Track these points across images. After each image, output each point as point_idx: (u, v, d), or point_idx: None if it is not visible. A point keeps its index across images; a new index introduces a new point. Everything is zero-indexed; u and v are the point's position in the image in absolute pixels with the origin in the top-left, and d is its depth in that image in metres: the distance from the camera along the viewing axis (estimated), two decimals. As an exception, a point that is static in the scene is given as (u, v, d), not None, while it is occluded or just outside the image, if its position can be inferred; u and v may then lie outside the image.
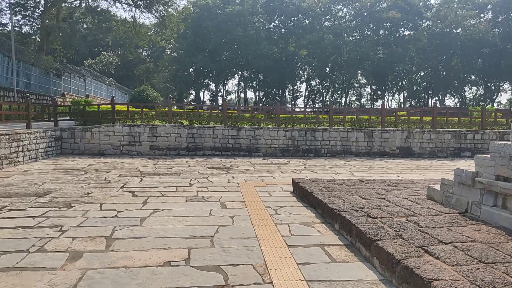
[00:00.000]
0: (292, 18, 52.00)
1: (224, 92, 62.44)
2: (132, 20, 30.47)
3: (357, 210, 4.65)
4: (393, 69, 49.86)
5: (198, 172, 9.52)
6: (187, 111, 16.55)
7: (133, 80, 51.13)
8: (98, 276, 3.20)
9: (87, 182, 7.72)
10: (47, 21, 26.32)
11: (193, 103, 54.18)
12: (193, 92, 60.78)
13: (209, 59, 47.66)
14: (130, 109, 15.63)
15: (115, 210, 5.46)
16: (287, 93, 58.82)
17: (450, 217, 4.37)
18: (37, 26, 29.15)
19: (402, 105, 56.00)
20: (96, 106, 15.72)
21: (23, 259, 3.54)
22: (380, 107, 18.09)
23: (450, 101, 57.61)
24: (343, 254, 3.79)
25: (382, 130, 15.18)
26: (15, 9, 26.48)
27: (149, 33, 38.10)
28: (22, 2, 27.37)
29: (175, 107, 24.11)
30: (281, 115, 15.71)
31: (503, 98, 76.45)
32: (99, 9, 31.26)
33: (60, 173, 8.99)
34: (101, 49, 49.54)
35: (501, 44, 46.85)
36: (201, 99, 59.38)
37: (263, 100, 56.46)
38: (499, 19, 49.99)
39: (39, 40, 28.11)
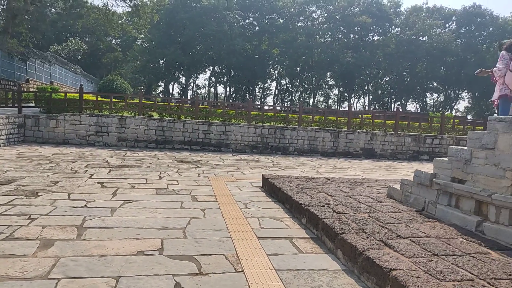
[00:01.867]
0: (267, 16, 52.30)
1: (195, 86, 61.90)
2: (105, 7, 29.58)
3: (324, 206, 4.90)
4: (360, 73, 51.35)
5: (168, 165, 9.52)
6: (158, 104, 16.37)
7: (100, 68, 49.58)
8: (72, 263, 3.23)
9: (52, 172, 7.56)
10: (14, 2, 25.00)
11: (161, 96, 53.34)
12: (163, 85, 59.84)
13: (181, 52, 47.09)
14: (99, 98, 15.28)
15: (84, 200, 5.42)
16: (257, 91, 59.18)
17: (408, 215, 4.70)
18: (2, 7, 27.65)
19: (367, 108, 57.81)
20: (63, 94, 15.25)
21: (-9, 246, 3.50)
22: (347, 109, 18.68)
23: (412, 106, 60.11)
24: (310, 246, 4.01)
25: (348, 132, 15.71)
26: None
27: (121, 21, 37.06)
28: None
29: (144, 99, 23.68)
30: (252, 112, 15.89)
31: (461, 105, 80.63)
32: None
33: (24, 161, 8.72)
34: (69, 35, 47.64)
35: (462, 54, 49.38)
36: (171, 92, 58.56)
37: (233, 96, 56.48)
38: (462, 30, 52.67)
39: (4, 22, 26.66)
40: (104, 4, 30.41)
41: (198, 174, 8.42)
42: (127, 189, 6.37)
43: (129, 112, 15.03)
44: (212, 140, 14.50)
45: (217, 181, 7.67)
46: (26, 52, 25.30)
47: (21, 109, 13.54)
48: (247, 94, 54.36)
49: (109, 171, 8.05)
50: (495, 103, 6.56)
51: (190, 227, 4.46)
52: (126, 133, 13.85)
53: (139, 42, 53.70)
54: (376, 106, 57.63)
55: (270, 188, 6.52)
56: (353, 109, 20.91)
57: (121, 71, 49.76)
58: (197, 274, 3.16)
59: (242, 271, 3.27)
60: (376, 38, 54.20)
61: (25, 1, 25.37)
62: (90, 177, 7.21)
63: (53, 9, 39.29)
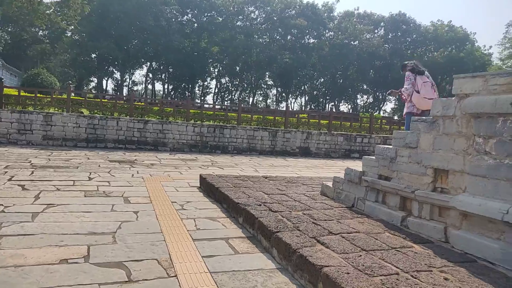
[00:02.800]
0: (206, 14, 51.84)
1: (130, 82, 59.47)
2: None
3: (260, 205, 4.94)
4: (297, 74, 52.96)
5: (99, 166, 9.00)
6: (89, 100, 15.43)
7: (26, 61, 45.62)
8: (-19, 277, 2.89)
9: (-36, 174, 6.77)
10: None
11: (94, 92, 50.48)
12: (95, 80, 56.67)
13: (115, 46, 44.91)
14: (22, 93, 14.02)
15: (2, 204, 4.92)
16: (197, 89, 58.49)
17: (339, 211, 4.90)
18: None
19: (304, 108, 59.85)
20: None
21: None
22: (284, 108, 19.13)
23: (344, 107, 63.42)
24: (246, 246, 4.01)
25: (285, 131, 16.09)
26: None
27: (48, 11, 34.34)
28: None
29: (74, 95, 22.24)
30: (191, 111, 15.61)
31: (388, 107, 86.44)
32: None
33: None
34: (-14, 22, 43.19)
35: (389, 58, 53.08)
36: (104, 87, 55.63)
37: (172, 93, 55.21)
38: (389, 36, 56.55)
39: None
40: (28, -9, 27.86)
41: (132, 175, 8.06)
42: (51, 191, 5.90)
43: (56, 109, 13.98)
44: (149, 138, 14.00)
45: (152, 181, 7.40)
46: None
47: None
48: (186, 92, 53.43)
49: (32, 172, 7.41)
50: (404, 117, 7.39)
51: (121, 231, 4.23)
52: (53, 131, 12.86)
53: (68, 34, 50.23)
54: (312, 106, 59.87)
55: (208, 187, 6.44)
56: (290, 109, 21.49)
57: (48, 65, 46.21)
58: (126, 281, 3.00)
59: (176, 275, 3.17)
60: (312, 40, 56.25)
61: None
62: (10, 179, 6.57)
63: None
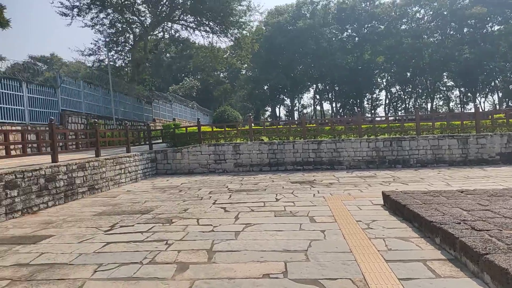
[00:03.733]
0: (366, 25, 50.68)
1: (300, 106, 62.72)
2: (210, 45, 32.41)
3: (459, 223, 4.35)
4: (483, 69, 45.59)
5: (283, 187, 9.67)
6: (267, 128, 16.97)
7: (213, 101, 53.90)
8: (206, 286, 3.45)
9: (182, 199, 8.32)
10: (136, 54, 29.23)
11: (269, 120, 55.25)
12: (269, 109, 61.98)
13: (283, 75, 48.40)
14: (214, 129, 16.53)
15: (211, 225, 5.81)
16: (365, 102, 57.05)
17: None
18: (128, 59, 32.41)
19: (498, 106, 50.68)
20: (184, 129, 16.92)
21: (139, 270, 3.95)
22: (473, 110, 16.64)
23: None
24: (448, 269, 3.58)
25: (478, 136, 13.92)
26: (109, 46, 29.84)
27: (225, 55, 40.07)
28: (114, 39, 30.79)
29: (254, 125, 24.83)
30: (362, 126, 15.30)
31: None
32: (180, 38, 33.83)
33: (158, 191, 9.81)
34: (183, 75, 53.26)
35: None
36: (277, 114, 60.31)
37: (340, 111, 55.43)
38: None
39: (131, 71, 31.23)
40: (209, 42, 33.19)
41: (314, 194, 8.34)
42: (247, 212, 6.64)
43: (242, 139, 15.87)
44: (324, 158, 14.31)
45: (334, 200, 7.49)
46: (150, 95, 29.03)
47: (152, 146, 15.41)
48: (355, 108, 52.73)
49: (230, 196, 8.52)
50: None
51: (312, 249, 4.39)
52: (241, 158, 14.61)
53: (243, 72, 57.01)
54: (510, 103, 50.19)
55: (394, 205, 6.09)
56: (480, 110, 18.54)
57: (231, 101, 53.37)
58: (326, 299, 3.06)
59: (373, 297, 3.06)
60: (496, 27, 47.79)
61: (145, 51, 29.35)
62: (214, 203, 7.73)
63: (167, 54, 44.53)
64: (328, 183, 10.26)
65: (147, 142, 15.78)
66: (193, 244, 4.81)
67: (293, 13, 50.47)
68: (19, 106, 13.24)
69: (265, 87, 54.13)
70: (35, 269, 4.09)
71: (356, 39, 51.55)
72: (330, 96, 56.23)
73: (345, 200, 7.47)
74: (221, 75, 56.77)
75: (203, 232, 5.39)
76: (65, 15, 26.35)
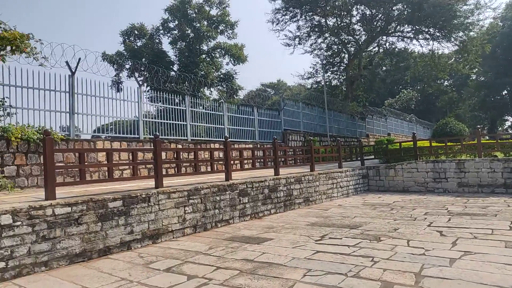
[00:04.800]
0: None
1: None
2: (430, 53, 30.02)
3: None
4: None
5: (521, 214, 7.93)
6: (501, 142, 14.25)
7: (435, 113, 49.29)
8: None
9: (393, 218, 8.02)
10: (350, 72, 30.11)
11: (510, 131, 46.02)
12: (510, 118, 51.67)
13: (529, 77, 39.65)
14: (433, 144, 15.14)
15: (423, 248, 5.40)
16: None
17: None
18: (342, 77, 33.71)
19: None
20: (398, 144, 16.19)
21: (343, 281, 4.11)
22: None
23: None
24: None
25: None
26: (325, 68, 31.93)
27: (449, 62, 36.08)
28: (330, 60, 32.79)
29: (487, 138, 21.28)
30: None
31: None
32: (396, 50, 32.76)
33: (368, 208, 9.77)
34: (400, 87, 50.99)
35: None
36: (522, 125, 49.49)
37: None
38: None
39: (345, 89, 32.35)
40: (430, 50, 30.57)
41: None
42: (468, 239, 5.82)
43: (467, 155, 13.91)
44: None
45: None
46: (363, 111, 29.22)
47: (363, 161, 15.44)
48: None
49: (449, 219, 7.65)
50: None
51: (556, 294, 3.49)
52: (466, 177, 12.78)
53: (473, 78, 49.75)
54: None
55: None
56: None
57: (457, 112, 47.49)
58: None
59: None
60: None
61: (359, 68, 29.83)
62: (429, 225, 7.13)
63: (383, 67, 43.71)
64: None
65: (359, 158, 15.92)
66: (400, 265, 4.61)
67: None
68: (251, 127, 16.26)
69: (504, 93, 45.62)
70: (257, 265, 4.86)
71: None
72: None
73: None
74: (445, 83, 51.39)
75: (413, 254, 5.08)
76: (289, 45, 30.74)
